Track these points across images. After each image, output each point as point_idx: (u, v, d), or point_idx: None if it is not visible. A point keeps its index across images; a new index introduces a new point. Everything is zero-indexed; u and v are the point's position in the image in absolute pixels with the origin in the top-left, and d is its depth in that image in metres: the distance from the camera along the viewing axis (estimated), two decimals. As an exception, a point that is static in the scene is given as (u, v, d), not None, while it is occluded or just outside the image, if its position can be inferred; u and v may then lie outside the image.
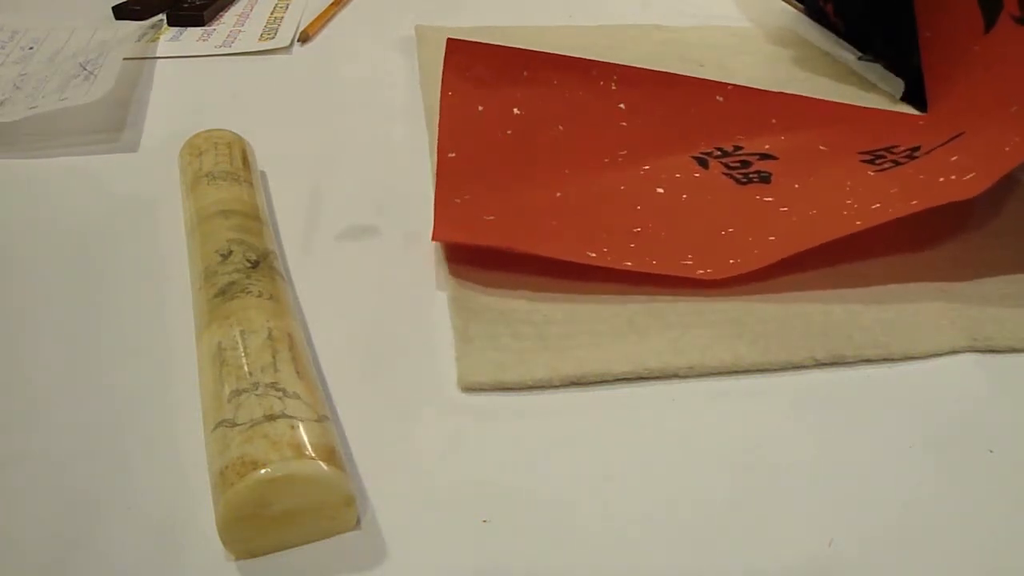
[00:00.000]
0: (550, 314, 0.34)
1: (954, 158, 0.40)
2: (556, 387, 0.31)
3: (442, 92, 0.43)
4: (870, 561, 0.25)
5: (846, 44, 0.62)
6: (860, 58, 0.60)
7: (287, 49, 0.60)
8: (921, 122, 0.49)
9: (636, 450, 0.29)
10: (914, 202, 0.36)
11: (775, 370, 0.32)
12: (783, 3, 0.69)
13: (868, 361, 0.33)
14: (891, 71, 0.58)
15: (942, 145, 0.42)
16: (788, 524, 0.26)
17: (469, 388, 0.31)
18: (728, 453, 0.29)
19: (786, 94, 0.50)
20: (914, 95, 0.53)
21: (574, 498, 0.27)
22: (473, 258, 0.37)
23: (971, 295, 0.36)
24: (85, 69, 0.51)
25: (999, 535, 0.26)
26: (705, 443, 0.29)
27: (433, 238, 0.36)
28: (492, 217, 0.37)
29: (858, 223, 0.36)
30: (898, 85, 0.55)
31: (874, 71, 0.58)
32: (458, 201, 0.38)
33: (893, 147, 0.44)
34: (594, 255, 0.36)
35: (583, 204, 0.40)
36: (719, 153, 0.44)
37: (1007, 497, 0.27)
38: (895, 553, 0.26)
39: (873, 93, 0.55)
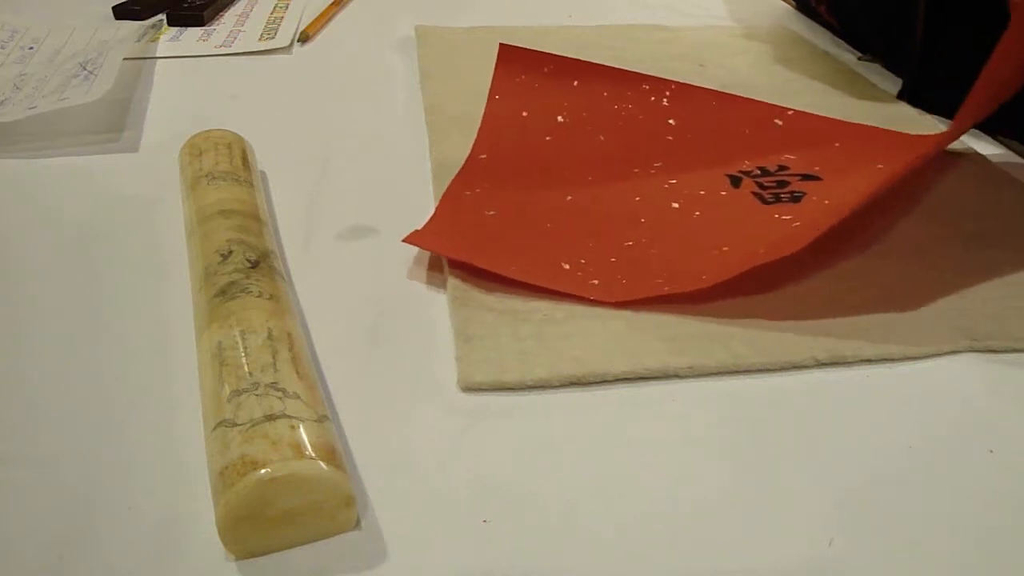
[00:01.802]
0: (550, 314, 0.34)
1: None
2: (556, 387, 0.31)
3: (489, 95, 0.43)
4: (870, 561, 0.25)
5: (845, 44, 0.62)
6: (860, 58, 0.60)
7: (287, 49, 0.60)
8: None
9: (636, 450, 0.29)
10: (880, 166, 0.35)
11: (775, 370, 0.32)
12: (783, 1, 0.69)
13: (868, 361, 0.33)
14: (889, 70, 0.58)
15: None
16: (788, 524, 0.26)
17: (469, 388, 0.31)
18: (728, 453, 0.29)
19: (851, 123, 0.47)
20: (912, 93, 0.53)
21: (574, 498, 0.27)
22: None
23: (971, 295, 0.36)
24: (85, 69, 0.51)
25: (999, 535, 0.26)
26: (705, 443, 0.29)
27: (405, 239, 0.36)
28: (492, 212, 0.37)
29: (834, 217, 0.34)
30: (898, 84, 0.55)
31: (874, 71, 0.58)
32: (468, 193, 0.38)
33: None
34: (568, 267, 0.35)
35: (587, 210, 0.39)
36: (758, 172, 0.43)
37: (1007, 497, 0.27)
38: (895, 553, 0.26)
39: (873, 93, 0.55)
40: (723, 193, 0.41)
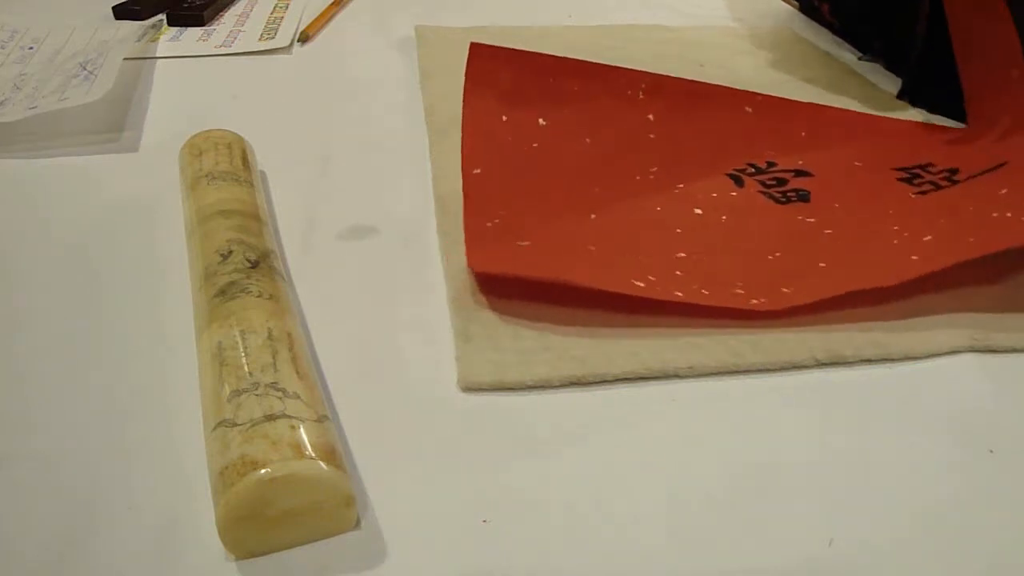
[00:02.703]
0: (550, 314, 0.34)
1: (1004, 191, 0.39)
2: (556, 387, 0.31)
3: (464, 100, 0.42)
4: (870, 561, 0.25)
5: (846, 44, 0.62)
6: (860, 58, 0.60)
7: (287, 49, 0.60)
8: (952, 137, 0.48)
9: (636, 450, 0.29)
10: (971, 240, 0.35)
11: (775, 370, 0.32)
12: (783, 2, 0.69)
13: (868, 361, 0.33)
14: (890, 70, 0.58)
15: (984, 173, 0.42)
16: (788, 524, 0.26)
17: (469, 388, 0.31)
18: (728, 453, 0.29)
19: (814, 105, 0.49)
20: (912, 93, 0.53)
21: (574, 498, 0.27)
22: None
23: (971, 295, 0.36)
24: (85, 69, 0.51)
25: (999, 535, 0.26)
26: (705, 443, 0.29)
27: (470, 266, 0.35)
28: (527, 243, 0.36)
29: (914, 258, 0.35)
30: (898, 84, 0.55)
31: (874, 71, 0.58)
32: (489, 225, 0.37)
33: (928, 165, 0.44)
34: (642, 285, 0.34)
35: (620, 227, 0.38)
36: (753, 170, 0.43)
37: (1007, 497, 0.27)
38: (895, 553, 0.26)
39: (873, 93, 0.55)
40: (733, 194, 0.41)
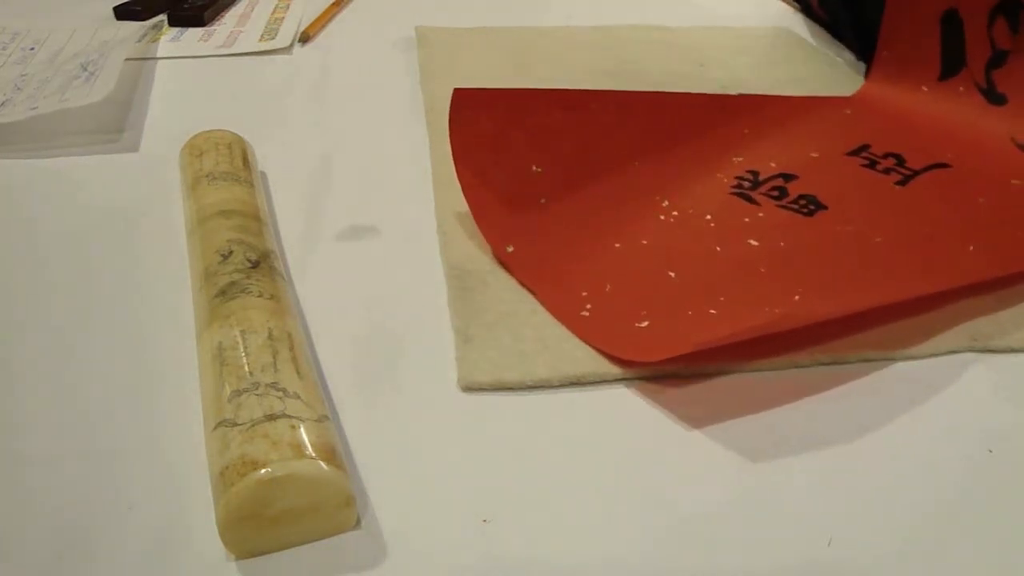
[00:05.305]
0: (550, 315, 0.34)
1: (981, 199, 0.41)
2: (556, 387, 0.31)
3: (455, 157, 0.40)
4: (870, 561, 0.25)
5: (845, 44, 0.62)
6: (859, 58, 0.60)
7: (287, 49, 0.60)
8: (848, 110, 0.50)
9: (636, 450, 0.29)
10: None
11: (776, 370, 0.32)
12: (782, 3, 0.69)
13: (868, 361, 0.33)
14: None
15: (929, 169, 0.44)
16: (788, 524, 0.26)
17: (469, 388, 0.31)
18: (727, 453, 0.29)
19: (734, 96, 0.49)
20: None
21: (574, 498, 0.27)
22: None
23: (970, 296, 0.36)
24: (86, 70, 0.51)
25: (999, 535, 0.26)
26: (705, 443, 0.29)
27: (650, 359, 0.32)
28: (646, 323, 0.34)
29: (970, 258, 0.37)
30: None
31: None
32: (586, 314, 0.35)
33: (866, 146, 0.46)
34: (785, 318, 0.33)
35: (714, 282, 0.36)
36: (748, 184, 0.42)
37: (1007, 497, 0.27)
38: (895, 553, 0.26)
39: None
40: (760, 215, 0.40)
